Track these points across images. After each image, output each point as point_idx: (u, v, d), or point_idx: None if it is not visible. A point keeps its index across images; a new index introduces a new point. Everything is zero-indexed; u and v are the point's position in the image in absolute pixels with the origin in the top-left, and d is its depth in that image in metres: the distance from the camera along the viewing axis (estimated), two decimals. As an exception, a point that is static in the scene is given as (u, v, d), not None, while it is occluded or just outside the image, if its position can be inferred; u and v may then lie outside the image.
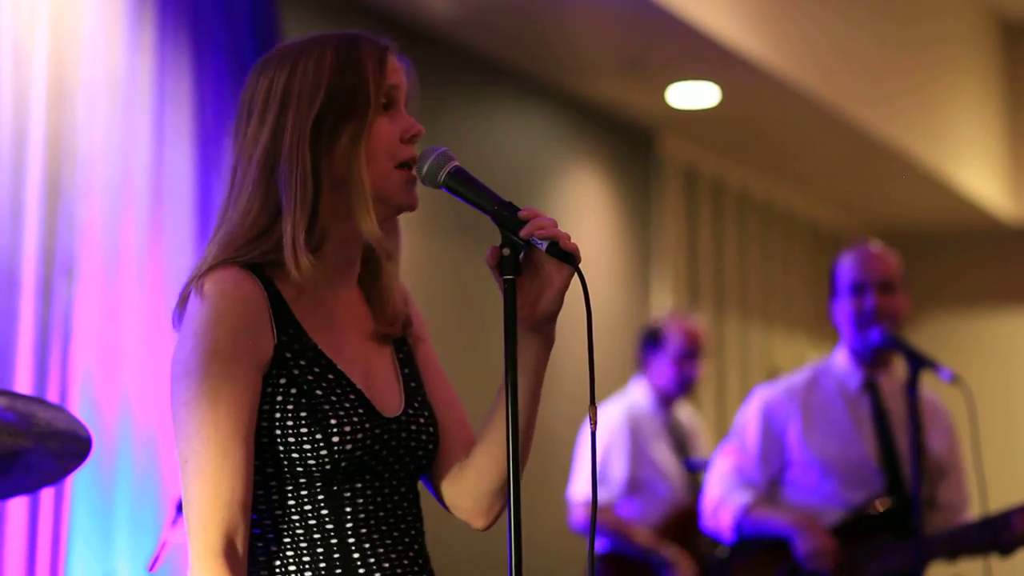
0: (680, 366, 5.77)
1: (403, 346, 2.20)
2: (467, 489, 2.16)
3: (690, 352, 5.78)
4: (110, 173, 4.37)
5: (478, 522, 2.19)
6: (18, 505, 3.96)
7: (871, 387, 4.15)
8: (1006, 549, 3.91)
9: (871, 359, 4.14)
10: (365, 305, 2.17)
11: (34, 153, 4.13)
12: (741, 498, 4.08)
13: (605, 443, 5.67)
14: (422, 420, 2.13)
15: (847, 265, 4.16)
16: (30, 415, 2.68)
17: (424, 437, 2.12)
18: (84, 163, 4.28)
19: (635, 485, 5.67)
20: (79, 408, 4.13)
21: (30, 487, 2.81)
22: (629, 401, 5.82)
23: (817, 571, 3.96)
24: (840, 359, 4.20)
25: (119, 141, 4.40)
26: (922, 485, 3.96)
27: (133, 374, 4.32)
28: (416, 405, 2.14)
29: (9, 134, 4.07)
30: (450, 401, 2.21)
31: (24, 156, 4.11)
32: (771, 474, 4.12)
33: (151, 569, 3.74)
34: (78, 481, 4.11)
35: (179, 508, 3.76)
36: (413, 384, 2.17)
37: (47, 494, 4.01)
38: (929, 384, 4.15)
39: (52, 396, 4.07)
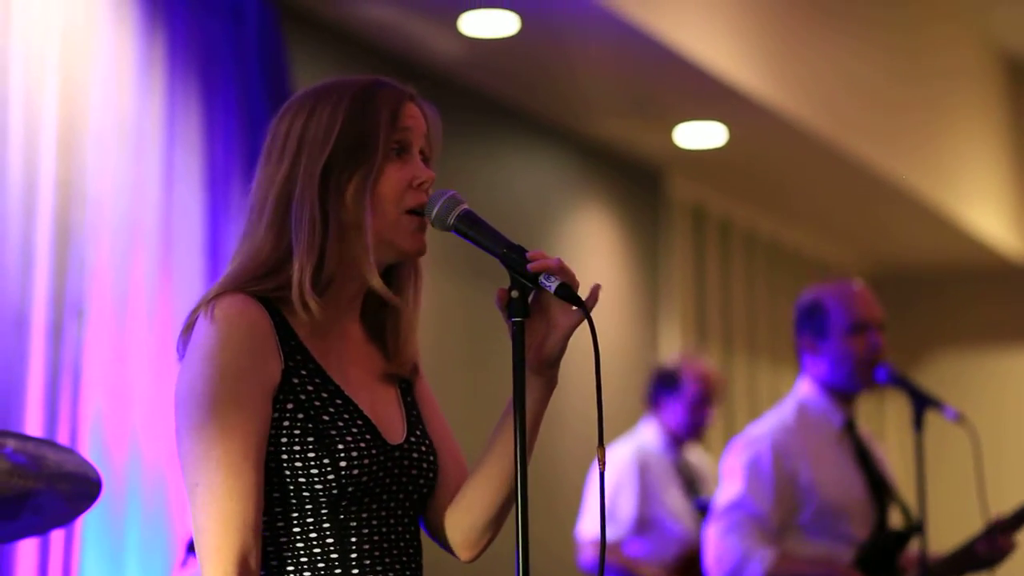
0: (694, 411, 5.76)
1: (404, 379, 2.23)
2: (457, 522, 2.18)
3: (706, 398, 5.77)
4: (120, 215, 4.38)
5: (464, 554, 2.20)
6: (29, 547, 3.96)
7: (851, 425, 4.13)
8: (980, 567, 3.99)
9: (851, 397, 4.12)
10: (371, 341, 2.19)
11: (44, 196, 4.15)
12: (768, 551, 3.95)
13: (614, 482, 5.66)
14: (423, 448, 2.15)
15: (842, 303, 4.09)
16: (40, 457, 2.70)
17: (425, 465, 2.14)
18: (94, 205, 4.30)
19: (644, 524, 5.66)
20: (89, 449, 4.14)
21: (41, 529, 2.82)
22: (639, 441, 5.81)
23: None
24: (812, 395, 4.12)
25: (129, 183, 4.42)
26: (907, 515, 3.98)
27: (143, 415, 4.33)
28: (418, 434, 2.16)
29: (20, 177, 4.08)
30: (446, 437, 2.24)
31: (34, 199, 4.12)
32: (784, 517, 4.02)
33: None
34: (88, 522, 4.11)
35: (189, 548, 3.76)
36: (415, 413, 2.20)
37: (57, 535, 4.02)
38: (934, 423, 4.14)
39: (62, 438, 4.07)
